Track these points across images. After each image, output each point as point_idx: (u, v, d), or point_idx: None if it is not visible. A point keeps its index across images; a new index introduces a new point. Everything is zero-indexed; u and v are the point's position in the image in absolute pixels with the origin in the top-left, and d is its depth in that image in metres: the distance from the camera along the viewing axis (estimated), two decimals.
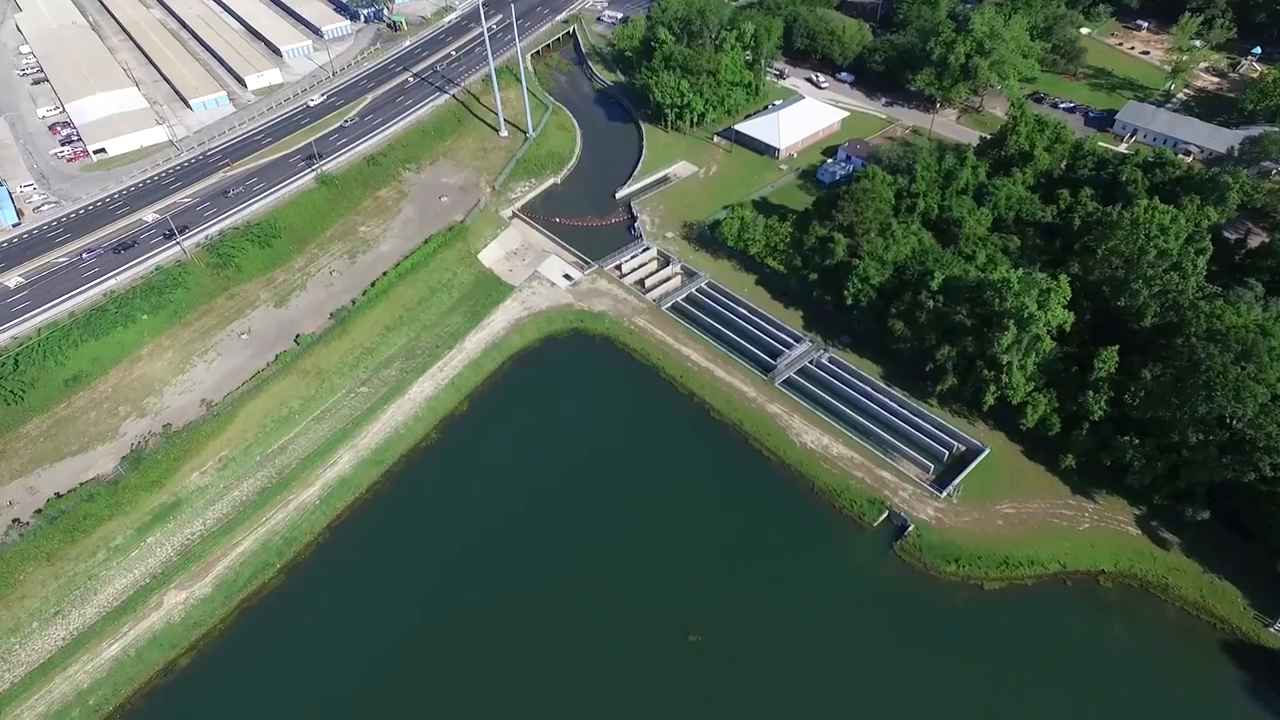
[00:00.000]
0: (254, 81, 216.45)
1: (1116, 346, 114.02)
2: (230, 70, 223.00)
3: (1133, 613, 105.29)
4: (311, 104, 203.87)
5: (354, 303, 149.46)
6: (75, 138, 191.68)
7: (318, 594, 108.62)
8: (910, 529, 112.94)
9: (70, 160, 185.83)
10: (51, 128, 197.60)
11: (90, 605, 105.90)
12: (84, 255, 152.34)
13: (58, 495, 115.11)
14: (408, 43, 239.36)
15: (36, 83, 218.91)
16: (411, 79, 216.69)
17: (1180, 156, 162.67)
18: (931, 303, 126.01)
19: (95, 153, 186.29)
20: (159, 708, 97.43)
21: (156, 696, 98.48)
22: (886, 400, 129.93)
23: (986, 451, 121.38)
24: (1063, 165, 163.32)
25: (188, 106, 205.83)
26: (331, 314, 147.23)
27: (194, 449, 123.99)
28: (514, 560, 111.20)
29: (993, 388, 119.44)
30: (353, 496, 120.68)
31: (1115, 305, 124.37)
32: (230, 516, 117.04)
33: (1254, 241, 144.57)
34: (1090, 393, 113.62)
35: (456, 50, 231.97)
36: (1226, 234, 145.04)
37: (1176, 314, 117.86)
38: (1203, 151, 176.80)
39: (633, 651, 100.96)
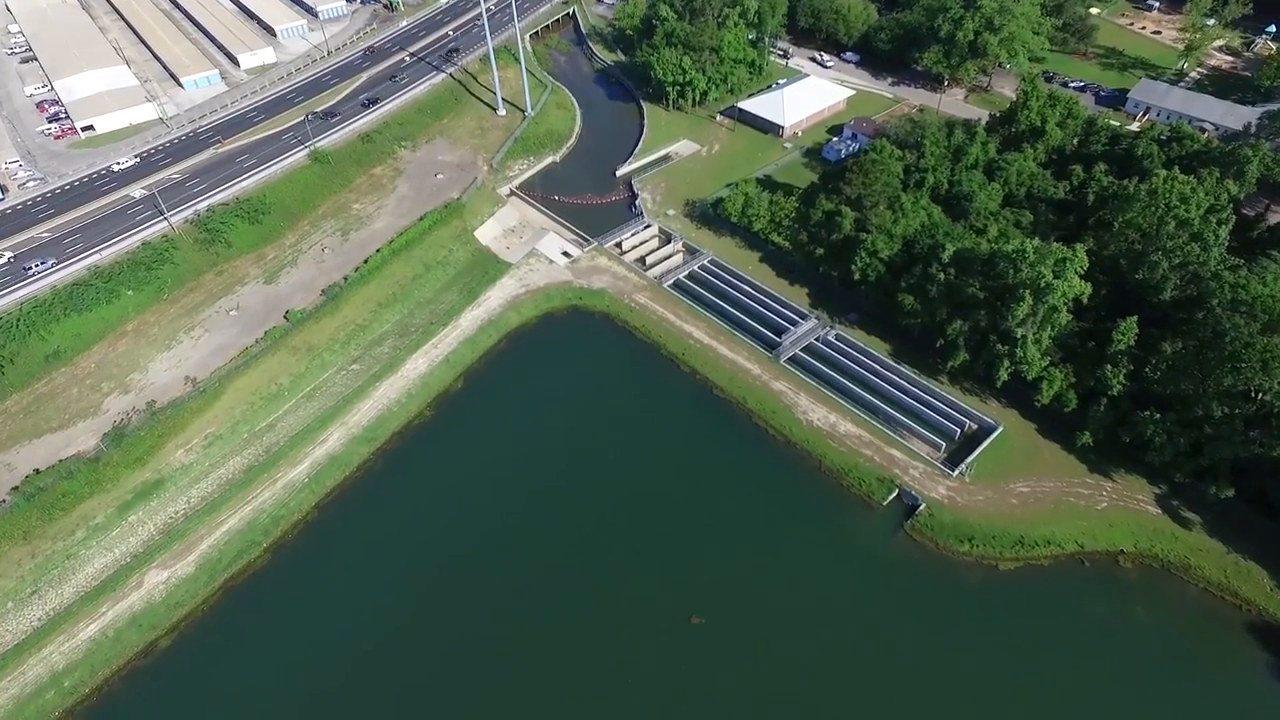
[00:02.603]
0: (247, 60, 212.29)
1: (1136, 318, 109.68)
2: (223, 49, 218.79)
3: (1154, 594, 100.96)
4: (118, 168, 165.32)
5: (346, 279, 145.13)
6: (63, 115, 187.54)
7: (305, 574, 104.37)
8: (921, 508, 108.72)
9: (57, 138, 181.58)
10: (39, 105, 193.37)
11: (68, 585, 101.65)
12: (307, 118, 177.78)
13: (36, 472, 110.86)
14: (405, 23, 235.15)
15: (25, 61, 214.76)
16: (408, 58, 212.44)
17: (1197, 131, 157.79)
18: (943, 275, 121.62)
19: (83, 130, 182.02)
20: (137, 690, 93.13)
21: (135, 679, 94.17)
22: (895, 378, 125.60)
23: (1000, 429, 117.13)
24: (1075, 141, 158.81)
25: (179, 85, 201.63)
26: (323, 291, 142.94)
27: (179, 426, 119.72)
28: (509, 540, 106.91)
29: (1006, 363, 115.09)
30: (343, 475, 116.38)
31: (1133, 279, 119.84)
32: (216, 495, 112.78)
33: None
34: (1109, 366, 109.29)
35: (454, 30, 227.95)
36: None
37: (1197, 286, 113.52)
38: (1218, 129, 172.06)
39: (633, 634, 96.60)
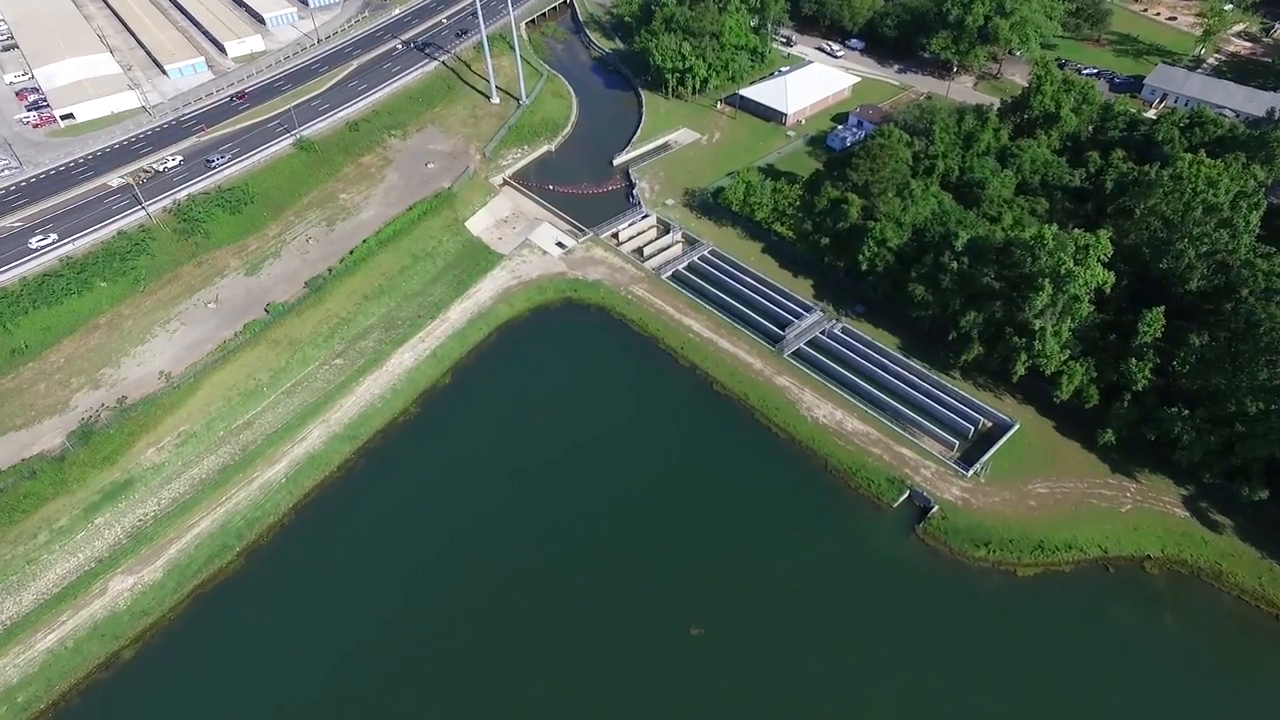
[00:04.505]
0: (234, 49, 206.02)
1: (1162, 308, 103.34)
2: (210, 37, 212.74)
3: (1183, 601, 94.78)
4: None
5: (331, 271, 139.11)
6: (42, 103, 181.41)
7: (279, 581, 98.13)
8: (934, 510, 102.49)
9: (36, 126, 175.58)
10: (18, 94, 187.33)
11: (27, 592, 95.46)
12: (399, 45, 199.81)
13: None
14: (397, 11, 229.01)
15: (6, 49, 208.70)
16: (400, 46, 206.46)
17: (1220, 116, 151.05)
18: (955, 265, 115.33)
19: (63, 118, 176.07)
20: (97, 705, 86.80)
21: (94, 693, 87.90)
22: (905, 372, 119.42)
23: (1016, 427, 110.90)
24: (1090, 128, 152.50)
25: (164, 73, 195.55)
26: (306, 283, 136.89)
27: (151, 424, 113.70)
28: (498, 545, 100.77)
29: (1023, 356, 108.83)
30: (323, 474, 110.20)
31: (1156, 268, 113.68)
32: (187, 496, 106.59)
33: None
34: (1133, 360, 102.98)
35: (448, 18, 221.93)
36: (1270, 198, 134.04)
37: (1226, 275, 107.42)
38: (1238, 115, 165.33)
39: (628, 647, 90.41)
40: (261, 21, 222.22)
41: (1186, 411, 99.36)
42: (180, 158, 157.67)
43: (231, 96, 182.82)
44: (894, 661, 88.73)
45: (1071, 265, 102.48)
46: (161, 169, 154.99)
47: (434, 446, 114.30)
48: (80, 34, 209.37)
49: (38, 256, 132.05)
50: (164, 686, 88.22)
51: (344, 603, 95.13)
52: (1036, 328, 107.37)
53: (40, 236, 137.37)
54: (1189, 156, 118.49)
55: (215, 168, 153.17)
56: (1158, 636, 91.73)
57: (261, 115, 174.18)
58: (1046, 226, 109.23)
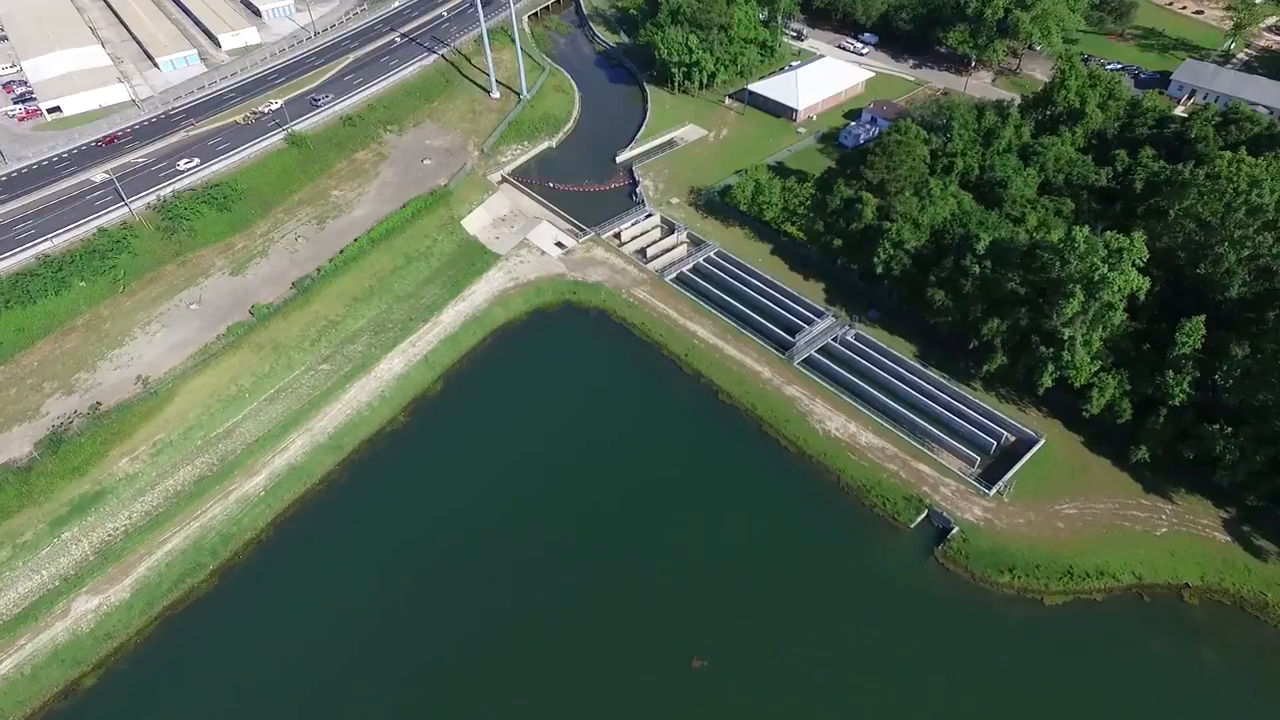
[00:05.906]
0: (229, 41, 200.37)
1: (1203, 317, 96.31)
2: (204, 29, 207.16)
3: (1225, 634, 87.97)
4: None
5: (319, 271, 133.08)
6: (29, 96, 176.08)
7: (255, 602, 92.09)
8: (954, 532, 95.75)
9: (21, 119, 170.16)
10: (5, 86, 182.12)
11: None
12: (397, 39, 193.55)
13: None
14: (396, 4, 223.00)
15: None
16: (398, 39, 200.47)
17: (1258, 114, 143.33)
18: (977, 268, 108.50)
19: (49, 112, 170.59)
20: None
21: None
22: (923, 383, 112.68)
23: (1042, 442, 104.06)
24: (1117, 125, 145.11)
25: (155, 66, 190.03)
26: (294, 283, 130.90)
27: (125, 432, 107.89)
28: (489, 566, 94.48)
29: (1050, 367, 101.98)
30: (303, 488, 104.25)
31: (1193, 274, 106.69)
32: (160, 510, 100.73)
33: None
34: (1170, 372, 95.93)
35: (449, 11, 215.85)
36: None
37: (1270, 281, 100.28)
38: (1271, 112, 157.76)
39: (626, 680, 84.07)
40: (258, 14, 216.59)
41: (1229, 428, 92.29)
42: (281, 101, 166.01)
43: (98, 141, 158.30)
44: (911, 695, 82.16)
45: (1105, 270, 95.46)
46: (266, 110, 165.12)
47: (423, 458, 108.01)
48: (71, 25, 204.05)
49: (13, 254, 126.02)
50: (127, 717, 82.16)
51: (323, 626, 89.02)
52: (1065, 336, 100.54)
53: (187, 160, 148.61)
54: (1228, 155, 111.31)
55: (320, 108, 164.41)
56: (1197, 671, 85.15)
57: (253, 108, 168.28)
58: (1077, 228, 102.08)
